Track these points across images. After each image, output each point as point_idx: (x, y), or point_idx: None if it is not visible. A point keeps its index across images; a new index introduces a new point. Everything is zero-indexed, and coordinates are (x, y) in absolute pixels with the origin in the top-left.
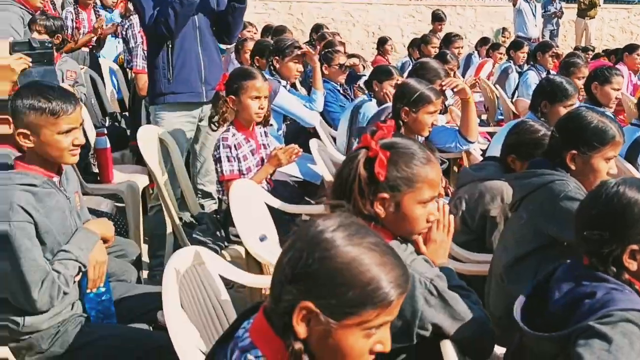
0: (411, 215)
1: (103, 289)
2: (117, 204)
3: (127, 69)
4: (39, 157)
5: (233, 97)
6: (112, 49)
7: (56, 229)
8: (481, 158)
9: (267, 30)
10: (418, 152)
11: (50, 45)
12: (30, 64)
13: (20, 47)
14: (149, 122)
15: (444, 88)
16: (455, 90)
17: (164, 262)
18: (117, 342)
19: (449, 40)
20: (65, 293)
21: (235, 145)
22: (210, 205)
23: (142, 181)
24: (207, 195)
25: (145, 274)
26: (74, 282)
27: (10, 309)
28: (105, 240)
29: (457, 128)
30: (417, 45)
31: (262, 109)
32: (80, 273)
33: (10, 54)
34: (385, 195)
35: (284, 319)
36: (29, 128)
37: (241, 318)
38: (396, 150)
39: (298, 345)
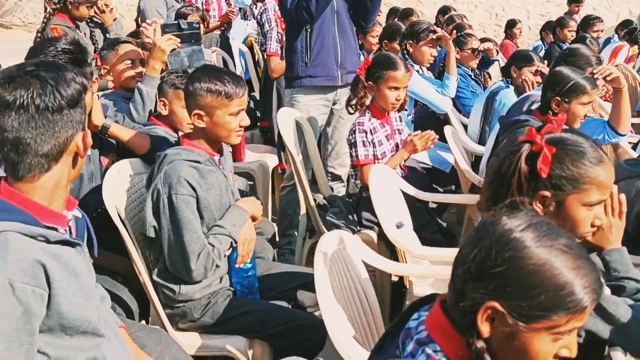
0: (574, 217)
1: (249, 265)
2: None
3: (260, 52)
4: (207, 136)
5: (372, 83)
6: (241, 30)
7: (214, 204)
8: (633, 152)
9: (393, 12)
10: (589, 150)
11: (197, 26)
12: (179, 45)
13: (170, 29)
14: (279, 104)
15: (595, 77)
16: (608, 78)
17: (293, 242)
18: (262, 317)
19: (588, 22)
20: (217, 266)
21: (370, 130)
22: (339, 188)
23: (271, 161)
24: (336, 178)
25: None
26: (224, 256)
27: (168, 277)
28: (253, 219)
29: (604, 119)
30: (552, 28)
31: (398, 100)
32: (231, 248)
33: (161, 35)
34: (547, 193)
35: (466, 316)
36: (204, 109)
37: (411, 309)
38: (564, 146)
39: (481, 344)
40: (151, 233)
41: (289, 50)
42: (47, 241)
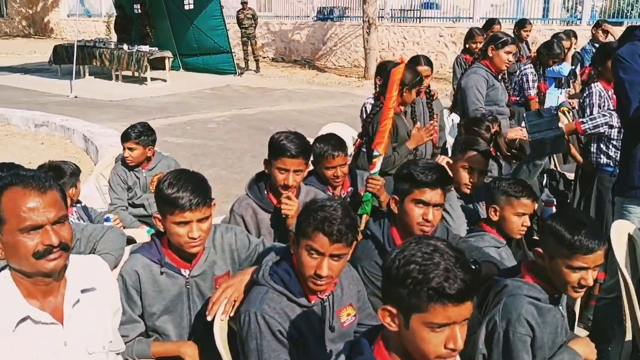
0: None
1: None
2: None
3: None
4: (548, 276)
5: None
6: (553, 98)
7: (547, 344)
8: None
9: None
10: None
11: (555, 112)
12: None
13: (530, 117)
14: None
15: None
16: None
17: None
18: None
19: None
20: None
21: None
22: None
23: None
24: None
25: None
26: None
27: None
28: None
29: None
30: None
31: None
32: None
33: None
34: None
35: None
36: (548, 253)
37: None
38: None
39: None
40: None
41: (625, 156)
42: None
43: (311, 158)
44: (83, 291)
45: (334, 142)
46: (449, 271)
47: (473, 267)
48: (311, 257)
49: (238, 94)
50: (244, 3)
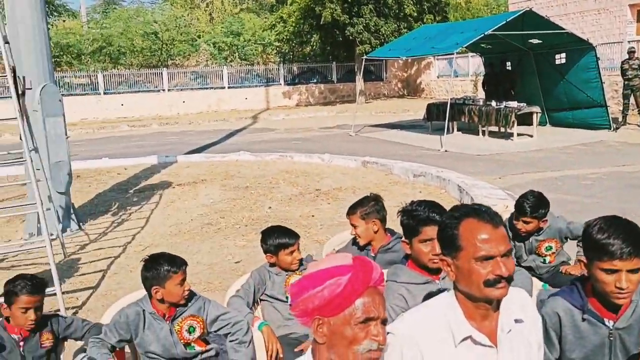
0: None
1: None
2: None
3: None
4: None
5: None
6: None
7: None
8: None
9: None
10: None
11: None
12: None
13: None
14: None
15: None
16: None
17: None
18: None
19: None
20: None
21: None
22: None
23: None
24: None
25: None
26: None
27: None
28: None
29: None
30: None
31: None
32: None
33: None
34: None
35: None
36: None
37: None
38: None
39: None
40: None
41: None
42: None
43: None
44: (516, 321)
45: None
46: None
47: None
48: None
49: (613, 150)
50: (631, 52)
